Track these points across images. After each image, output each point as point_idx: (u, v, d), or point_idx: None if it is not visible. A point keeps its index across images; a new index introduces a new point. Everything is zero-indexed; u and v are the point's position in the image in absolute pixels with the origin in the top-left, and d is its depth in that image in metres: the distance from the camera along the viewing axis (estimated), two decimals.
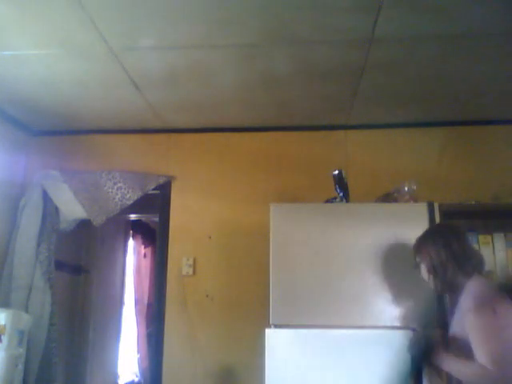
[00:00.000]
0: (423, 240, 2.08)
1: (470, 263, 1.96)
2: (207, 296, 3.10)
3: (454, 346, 1.91)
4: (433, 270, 2.00)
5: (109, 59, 2.48)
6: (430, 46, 2.37)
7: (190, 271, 3.14)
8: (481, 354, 1.73)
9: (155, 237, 3.61)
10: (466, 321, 1.83)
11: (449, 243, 1.99)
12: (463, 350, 1.83)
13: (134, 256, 4.96)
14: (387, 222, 2.46)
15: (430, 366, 1.99)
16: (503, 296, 1.87)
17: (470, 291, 1.90)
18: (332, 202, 2.64)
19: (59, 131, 3.44)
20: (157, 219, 3.40)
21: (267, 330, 2.32)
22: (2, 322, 2.56)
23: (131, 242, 4.90)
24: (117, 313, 4.56)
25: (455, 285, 1.96)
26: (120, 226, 4.63)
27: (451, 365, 1.87)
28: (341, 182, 2.62)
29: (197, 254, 3.17)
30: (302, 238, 2.46)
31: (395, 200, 2.64)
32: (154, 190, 3.25)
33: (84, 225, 3.44)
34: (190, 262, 3.15)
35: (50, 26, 2.22)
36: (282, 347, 2.30)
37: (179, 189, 3.30)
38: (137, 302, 4.93)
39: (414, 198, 2.62)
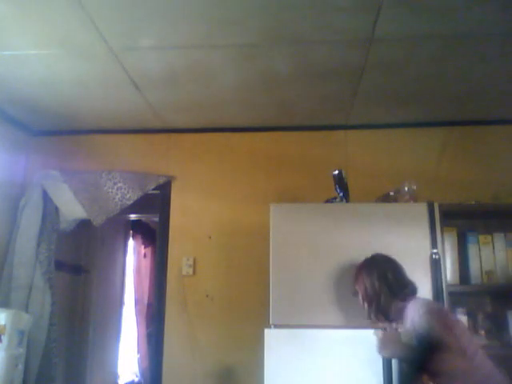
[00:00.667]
0: (360, 270, 2.16)
1: (404, 291, 2.05)
2: (207, 296, 3.10)
3: None
4: (367, 299, 2.08)
5: (109, 59, 2.48)
6: (430, 46, 2.37)
7: (190, 271, 3.14)
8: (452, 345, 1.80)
9: (155, 237, 3.61)
10: (424, 324, 1.86)
11: (383, 274, 2.08)
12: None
13: (134, 256, 4.96)
14: (387, 221, 2.46)
15: (404, 362, 1.99)
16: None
17: (417, 306, 1.94)
18: (332, 201, 2.64)
19: (59, 131, 3.44)
20: (157, 219, 3.40)
21: (266, 330, 2.32)
22: (2, 322, 2.56)
23: (131, 242, 4.91)
24: (117, 313, 4.56)
25: (391, 312, 2.03)
26: (120, 226, 4.63)
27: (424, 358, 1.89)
28: (341, 182, 2.62)
29: (197, 253, 3.17)
30: (302, 238, 2.46)
31: (395, 200, 2.64)
32: (154, 189, 3.25)
33: (84, 225, 3.44)
34: (190, 262, 3.15)
35: (50, 26, 2.22)
36: (282, 347, 2.30)
37: (179, 189, 3.30)
38: (137, 302, 4.93)
39: (414, 197, 2.62)
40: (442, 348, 1.81)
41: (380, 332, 1.97)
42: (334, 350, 2.28)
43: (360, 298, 2.14)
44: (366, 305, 2.10)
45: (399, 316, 2.02)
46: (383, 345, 1.98)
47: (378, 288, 2.06)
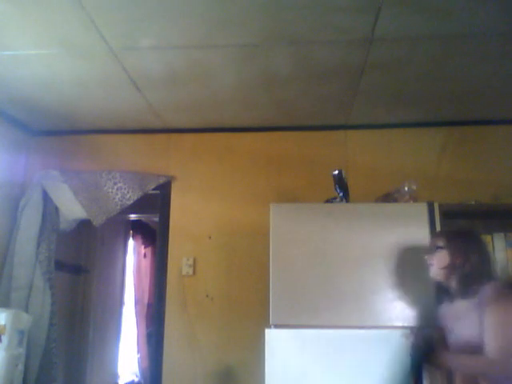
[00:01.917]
0: (463, 233, 2.06)
1: (489, 275, 1.96)
2: (207, 296, 3.10)
3: (459, 349, 1.92)
4: (452, 266, 1.98)
5: (109, 59, 2.48)
6: (430, 46, 2.37)
7: (190, 271, 3.14)
8: (491, 346, 1.76)
9: (155, 237, 3.61)
10: (483, 320, 1.82)
11: (484, 252, 2.01)
12: (470, 352, 1.85)
13: (133, 256, 4.96)
14: (387, 221, 2.45)
15: (431, 364, 1.99)
16: None
17: (485, 294, 1.88)
18: (332, 201, 2.64)
19: (59, 131, 3.44)
20: (157, 219, 3.40)
21: (267, 330, 2.32)
22: (2, 322, 2.56)
23: (131, 242, 4.91)
24: (117, 313, 4.56)
25: (466, 291, 1.95)
26: (120, 226, 4.63)
27: (455, 360, 1.88)
28: (341, 182, 2.62)
29: (197, 253, 3.17)
30: (302, 237, 2.46)
31: (395, 200, 2.64)
32: (154, 190, 3.25)
33: (84, 225, 3.44)
34: (190, 262, 3.15)
35: (50, 26, 2.22)
36: (282, 347, 2.30)
37: (179, 189, 3.30)
38: (137, 302, 4.93)
39: (414, 197, 2.62)
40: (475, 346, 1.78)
41: (410, 333, 1.95)
42: (334, 350, 2.28)
43: (440, 255, 2.02)
44: (446, 267, 1.99)
45: (472, 296, 1.92)
46: (415, 346, 1.97)
47: (474, 262, 1.96)
